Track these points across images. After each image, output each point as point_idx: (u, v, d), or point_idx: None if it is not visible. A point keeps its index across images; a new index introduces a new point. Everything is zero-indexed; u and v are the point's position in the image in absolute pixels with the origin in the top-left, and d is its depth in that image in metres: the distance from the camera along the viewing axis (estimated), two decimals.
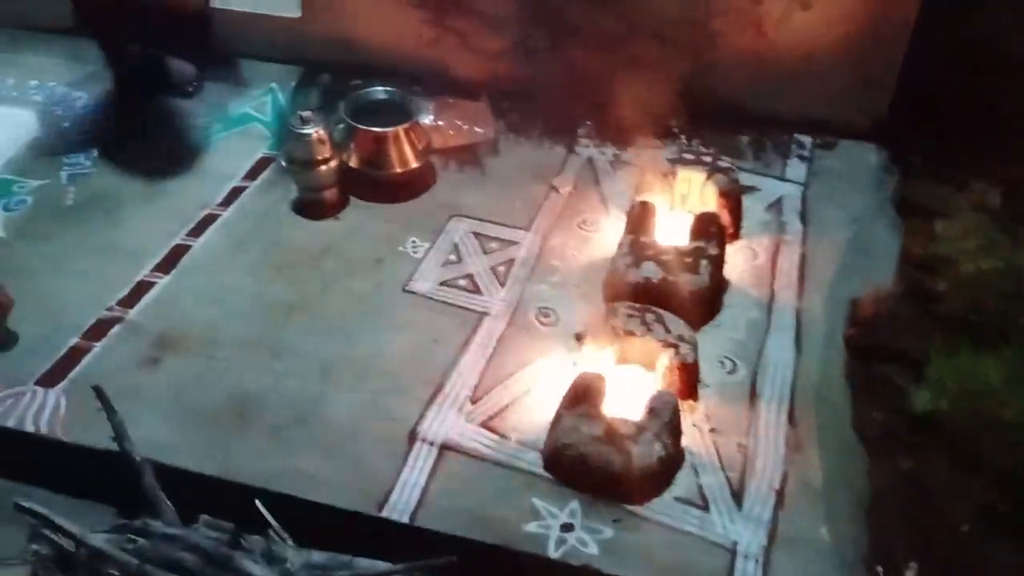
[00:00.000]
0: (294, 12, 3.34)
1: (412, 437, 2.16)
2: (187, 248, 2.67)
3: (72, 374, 2.27)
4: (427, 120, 3.11)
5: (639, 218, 2.66)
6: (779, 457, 2.14)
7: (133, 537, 1.77)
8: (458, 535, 1.91)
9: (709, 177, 2.74)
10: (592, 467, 2.03)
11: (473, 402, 2.25)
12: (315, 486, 2.01)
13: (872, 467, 2.11)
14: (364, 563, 1.79)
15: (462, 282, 2.60)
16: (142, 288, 2.53)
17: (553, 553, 1.93)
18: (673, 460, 2.09)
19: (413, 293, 2.56)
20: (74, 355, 2.33)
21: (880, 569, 1.92)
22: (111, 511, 1.97)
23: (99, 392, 1.95)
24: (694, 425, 2.21)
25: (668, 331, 2.29)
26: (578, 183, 2.98)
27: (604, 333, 2.30)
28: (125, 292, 2.51)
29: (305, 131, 2.72)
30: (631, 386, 2.26)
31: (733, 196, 2.75)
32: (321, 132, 2.74)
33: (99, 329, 2.40)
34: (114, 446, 1.92)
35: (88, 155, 3.01)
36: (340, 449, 2.13)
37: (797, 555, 1.95)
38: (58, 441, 2.10)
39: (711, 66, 3.11)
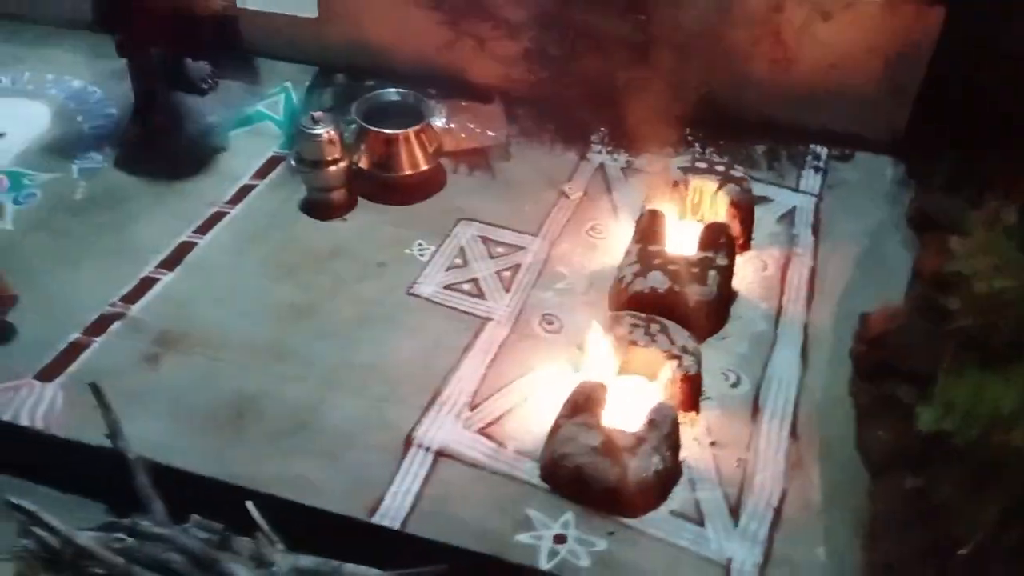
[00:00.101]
0: (311, 13, 3.34)
1: (408, 443, 2.14)
2: (193, 245, 2.67)
3: (71, 369, 2.28)
4: (439, 123, 3.09)
5: (648, 227, 2.62)
6: (779, 474, 2.11)
7: (121, 536, 1.77)
8: (448, 543, 1.88)
9: (721, 186, 2.71)
10: (588, 478, 2.01)
11: (471, 408, 2.23)
12: (309, 491, 2.00)
13: (874, 487, 2.07)
14: (353, 569, 1.78)
15: (466, 286, 2.58)
16: (146, 284, 2.53)
17: (544, 565, 1.90)
18: (670, 473, 2.07)
19: (417, 296, 2.54)
20: (74, 350, 2.33)
21: None
22: (102, 508, 1.97)
23: (95, 389, 1.95)
24: (694, 438, 2.18)
25: (672, 342, 2.26)
26: (589, 189, 2.96)
27: (607, 342, 2.27)
28: (128, 288, 2.51)
29: (316, 131, 2.72)
30: (632, 396, 2.23)
31: (744, 206, 2.72)
32: (332, 133, 2.74)
33: (100, 324, 2.40)
34: (108, 443, 1.92)
35: (100, 150, 3.02)
36: (336, 454, 2.11)
37: (792, 575, 1.92)
38: (51, 437, 2.09)
39: (729, 76, 3.09)
